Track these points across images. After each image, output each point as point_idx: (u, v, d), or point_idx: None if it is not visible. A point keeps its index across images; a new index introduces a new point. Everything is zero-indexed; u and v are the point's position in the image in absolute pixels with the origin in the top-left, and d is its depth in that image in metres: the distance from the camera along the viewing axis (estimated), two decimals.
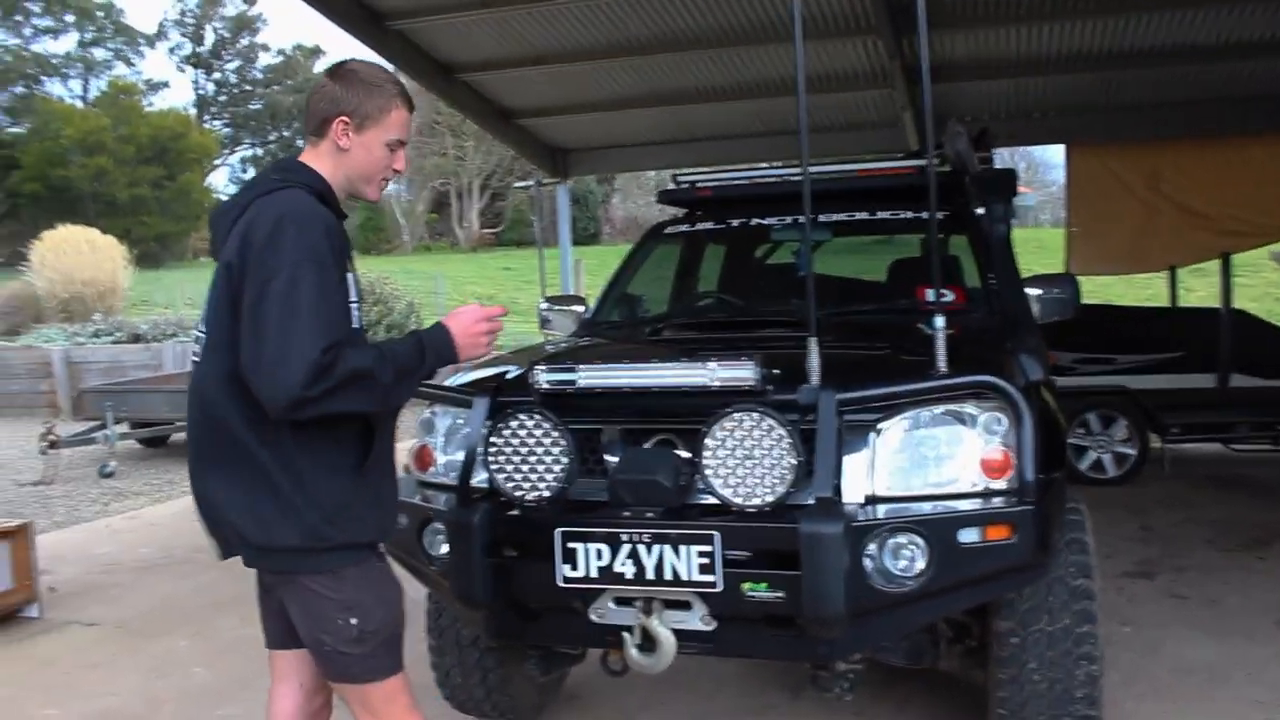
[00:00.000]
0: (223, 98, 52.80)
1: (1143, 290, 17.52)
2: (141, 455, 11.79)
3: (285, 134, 51.48)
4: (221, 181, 50.27)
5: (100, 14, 47.54)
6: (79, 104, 44.51)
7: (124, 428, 11.12)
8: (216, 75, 52.61)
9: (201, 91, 52.36)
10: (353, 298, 2.38)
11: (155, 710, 4.26)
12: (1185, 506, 7.35)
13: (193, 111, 49.16)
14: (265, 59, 52.85)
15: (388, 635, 2.43)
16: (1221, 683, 4.16)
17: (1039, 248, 22.42)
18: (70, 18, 46.36)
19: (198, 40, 51.63)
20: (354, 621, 2.36)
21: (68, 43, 50.12)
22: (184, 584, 6.14)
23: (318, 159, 2.44)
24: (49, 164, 37.44)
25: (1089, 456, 8.22)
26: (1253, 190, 9.22)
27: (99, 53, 48.77)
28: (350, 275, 2.38)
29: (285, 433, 2.28)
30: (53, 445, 10.07)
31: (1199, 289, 16.92)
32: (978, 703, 3.38)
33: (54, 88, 45.09)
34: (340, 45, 60.53)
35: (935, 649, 3.29)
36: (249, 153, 53.03)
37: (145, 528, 7.86)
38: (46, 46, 44.60)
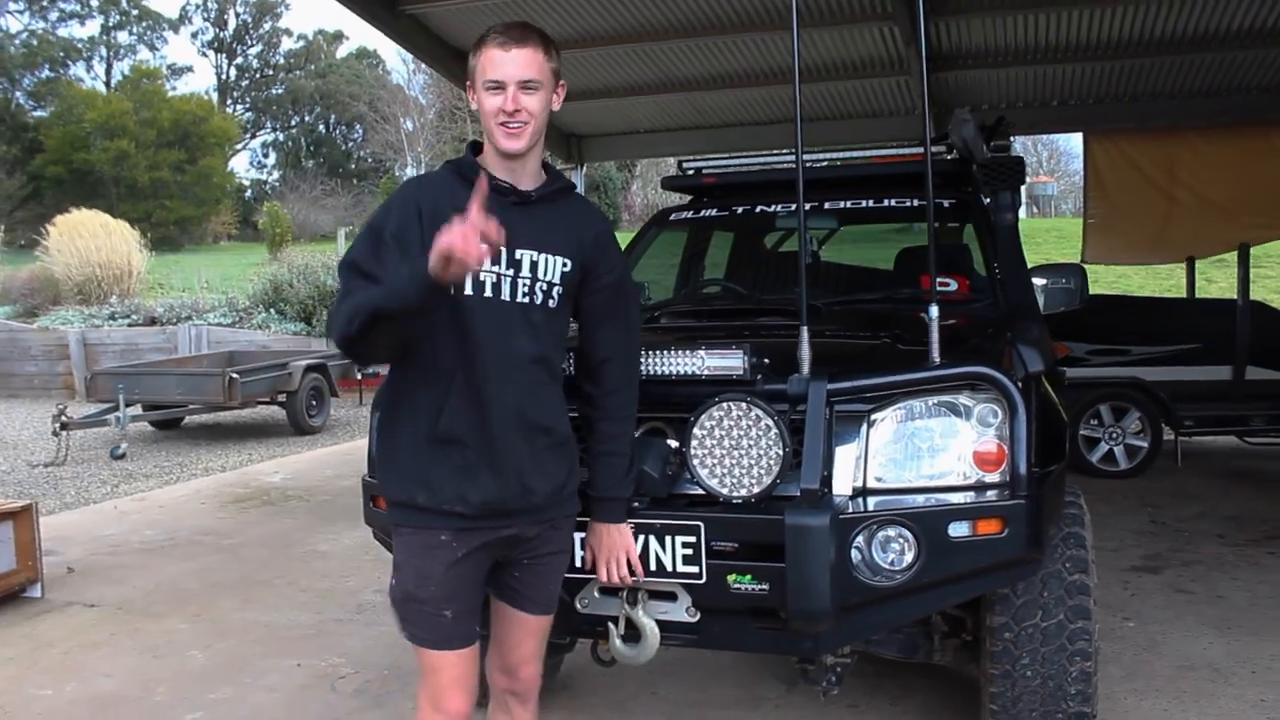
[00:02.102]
0: (244, 82, 52.94)
1: (1164, 281, 17.35)
2: (153, 438, 11.84)
3: (307, 119, 51.61)
4: (242, 166, 50.53)
5: None
6: (102, 88, 44.71)
7: (136, 410, 11.16)
8: (238, 60, 52.74)
9: (223, 76, 52.51)
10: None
11: (149, 692, 4.26)
12: (1196, 500, 7.28)
13: (214, 96, 49.29)
14: (287, 44, 52.95)
15: (418, 607, 2.44)
16: (1225, 680, 4.10)
17: (1059, 237, 22.33)
18: (95, 2, 46.56)
19: (220, 25, 51.75)
20: (393, 581, 2.49)
21: (92, 27, 50.40)
22: (187, 566, 6.15)
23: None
24: (71, 148, 37.63)
25: (1100, 448, 8.15)
26: (1273, 181, 9.11)
27: (122, 37, 48.97)
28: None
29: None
30: (64, 426, 10.12)
31: (1220, 280, 16.76)
32: (974, 697, 3.34)
33: (78, 72, 45.30)
34: (362, 30, 60.58)
35: (929, 643, 3.26)
36: (270, 137, 53.22)
37: (152, 510, 7.88)
38: (71, 31, 44.82)
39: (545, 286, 2.48)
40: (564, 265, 2.50)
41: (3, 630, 5.09)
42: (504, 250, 2.38)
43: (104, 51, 48.37)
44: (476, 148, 2.55)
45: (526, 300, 2.45)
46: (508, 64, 2.41)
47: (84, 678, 4.44)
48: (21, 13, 43.03)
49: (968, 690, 3.67)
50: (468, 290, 2.38)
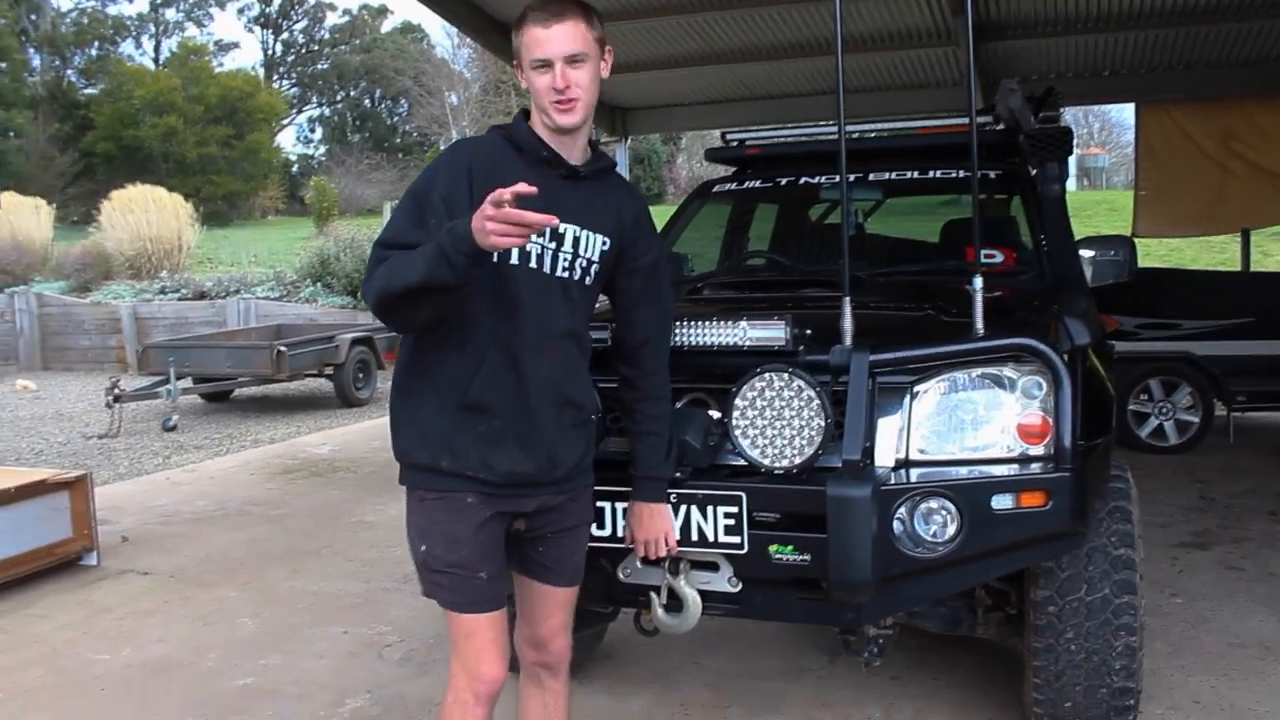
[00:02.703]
0: (290, 58, 53.30)
1: (1218, 255, 17.05)
2: (203, 410, 12.02)
3: (352, 93, 51.87)
4: (289, 141, 50.94)
5: None
6: (151, 65, 45.16)
7: (186, 383, 11.33)
8: (284, 35, 53.09)
9: (269, 52, 52.88)
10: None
11: (200, 658, 4.34)
12: (1248, 476, 7.17)
13: (261, 72, 49.66)
14: (332, 19, 53.19)
15: (450, 572, 2.42)
16: (1275, 658, 4.05)
17: (1110, 210, 22.01)
18: None
19: (266, 1, 52.04)
20: (422, 548, 2.45)
21: (141, 4, 50.85)
22: (237, 536, 6.24)
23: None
24: (121, 124, 38.10)
25: (1150, 423, 8.04)
26: None
27: (170, 14, 49.42)
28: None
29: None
30: (117, 399, 10.29)
31: (1276, 253, 16.47)
32: (1018, 671, 3.33)
33: (128, 49, 45.79)
34: (407, 5, 60.81)
35: (972, 616, 3.25)
36: (316, 112, 53.55)
37: (203, 481, 8.00)
38: (121, 9, 45.33)
39: (585, 263, 2.47)
40: (603, 244, 2.50)
41: (61, 596, 5.21)
42: None
43: (153, 28, 48.87)
44: (527, 114, 2.51)
45: (566, 275, 2.43)
46: (551, 41, 2.37)
47: (139, 643, 4.53)
48: None
49: (1011, 664, 3.66)
50: (513, 260, 2.36)
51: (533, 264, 2.39)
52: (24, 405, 12.84)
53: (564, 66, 2.37)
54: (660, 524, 2.73)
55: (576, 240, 2.44)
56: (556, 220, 2.14)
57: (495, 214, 2.03)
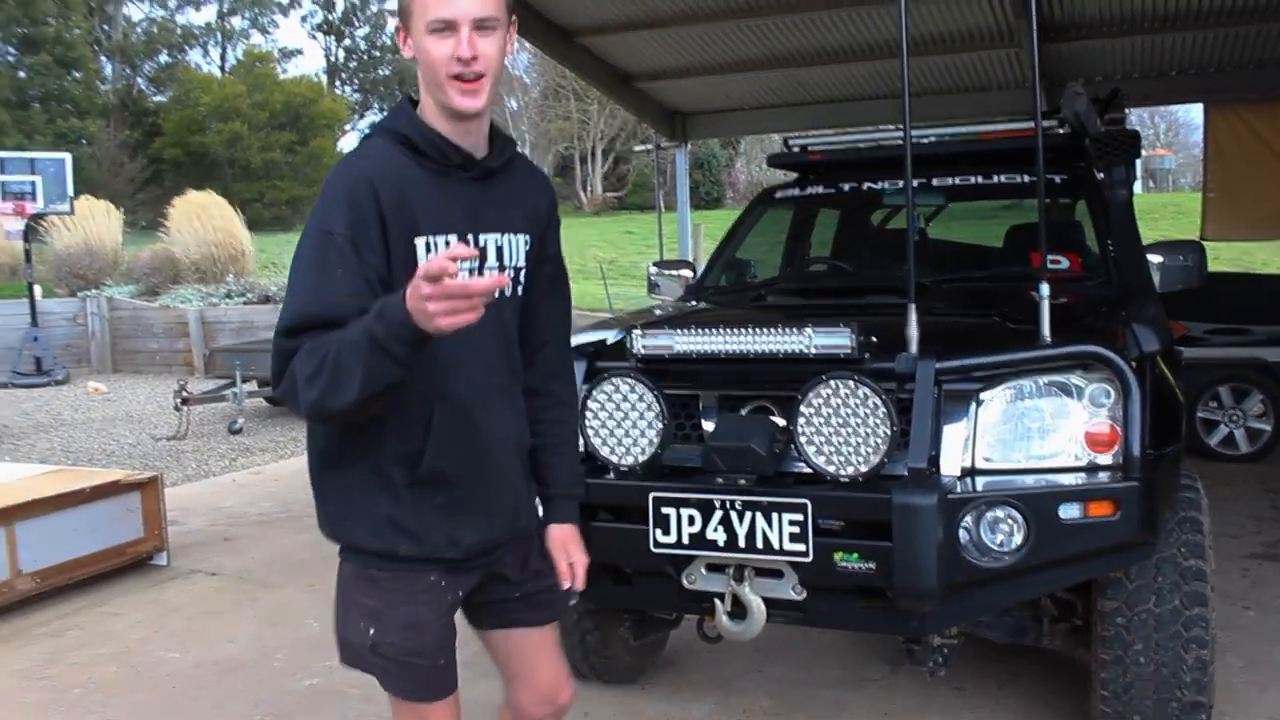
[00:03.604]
0: (353, 64, 53.86)
1: None
2: (268, 413, 12.18)
3: (413, 99, 52.42)
4: (351, 146, 51.34)
5: None
6: (217, 72, 45.95)
7: (251, 386, 11.51)
8: (347, 42, 53.67)
9: (332, 58, 53.52)
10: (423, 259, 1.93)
11: (267, 658, 4.42)
12: None
13: (324, 78, 50.30)
14: (393, 24, 53.63)
15: (407, 660, 2.08)
16: None
17: (1178, 213, 21.63)
18: None
19: (329, 8, 52.70)
20: (371, 631, 2.07)
21: (208, 13, 51.76)
22: (302, 538, 6.33)
23: (420, 86, 2.04)
24: (188, 130, 38.73)
25: (1220, 431, 7.89)
26: None
27: (236, 22, 50.22)
28: (426, 240, 1.96)
29: None
30: (185, 402, 10.48)
31: None
32: (1083, 682, 3.28)
33: (195, 57, 46.60)
34: None
35: (1038, 626, 3.22)
36: (377, 118, 54.03)
37: (268, 483, 8.13)
38: (189, 18, 46.06)
39: (513, 274, 2.11)
40: (526, 244, 2.14)
41: (133, 595, 5.32)
42: (470, 239, 2.01)
43: (219, 36, 49.69)
44: (414, 102, 2.07)
45: (498, 294, 2.00)
46: (449, 2, 1.91)
47: (208, 642, 4.62)
48: (143, 1, 44.44)
49: (1077, 676, 3.62)
50: None
51: None
52: (96, 407, 13.12)
53: (471, 32, 1.91)
54: (579, 543, 2.32)
55: (500, 251, 2.08)
56: (507, 280, 1.94)
57: (435, 292, 1.65)
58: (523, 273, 2.14)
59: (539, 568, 2.27)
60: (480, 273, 2.02)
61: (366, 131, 2.08)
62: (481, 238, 2.03)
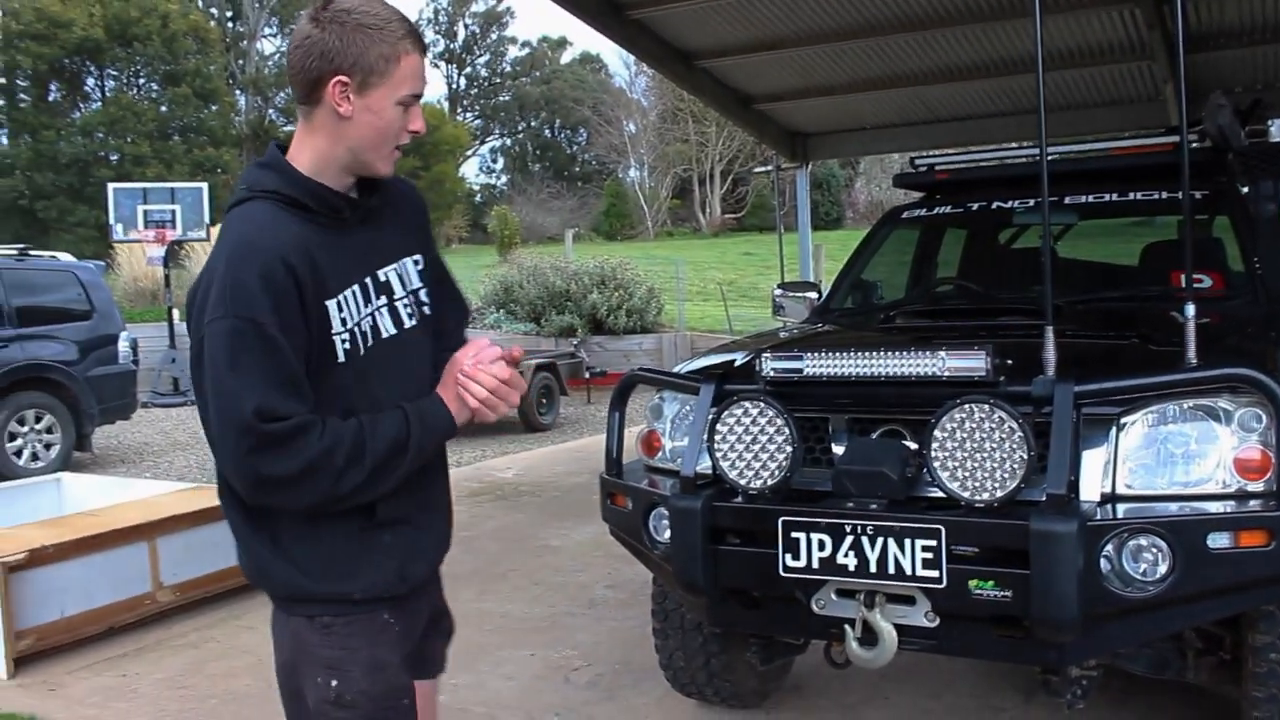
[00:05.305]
0: (473, 91, 55.06)
1: None
2: None
3: (533, 124, 53.27)
4: (472, 171, 52.48)
5: None
6: None
7: None
8: (468, 70, 54.89)
9: (454, 85, 54.75)
10: (337, 328, 1.90)
11: None
12: None
13: (445, 105, 51.46)
14: (513, 52, 54.76)
15: (378, 704, 1.99)
16: None
17: None
18: None
19: (450, 37, 53.97)
20: (334, 683, 1.97)
21: None
22: None
23: (310, 135, 1.92)
24: None
25: None
26: None
27: None
28: (336, 300, 1.90)
29: None
30: None
31: None
32: (1231, 718, 3.15)
33: None
34: (586, 35, 62.27)
35: (1182, 660, 3.10)
36: (498, 143, 55.16)
37: None
38: None
39: (415, 295, 2.05)
40: (417, 262, 2.07)
41: (266, 610, 5.37)
42: (369, 281, 1.96)
43: None
44: (283, 149, 1.97)
45: (414, 321, 2.02)
46: (423, 77, 1.93)
47: None
48: (274, 35, 46.10)
49: (1223, 712, 3.47)
50: (368, 344, 1.94)
51: (385, 334, 1.97)
52: None
53: (418, 107, 1.95)
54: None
55: (402, 278, 2.03)
56: (522, 350, 1.98)
57: (491, 394, 1.91)
58: (423, 291, 2.06)
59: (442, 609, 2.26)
60: (394, 308, 1.99)
61: (241, 191, 1.95)
62: (380, 274, 1.98)
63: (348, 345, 1.90)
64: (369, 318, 1.93)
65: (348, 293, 1.91)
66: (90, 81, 36.98)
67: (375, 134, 1.89)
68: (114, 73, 36.13)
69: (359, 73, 1.84)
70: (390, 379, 1.95)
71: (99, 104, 35.52)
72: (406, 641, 2.05)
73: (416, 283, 2.04)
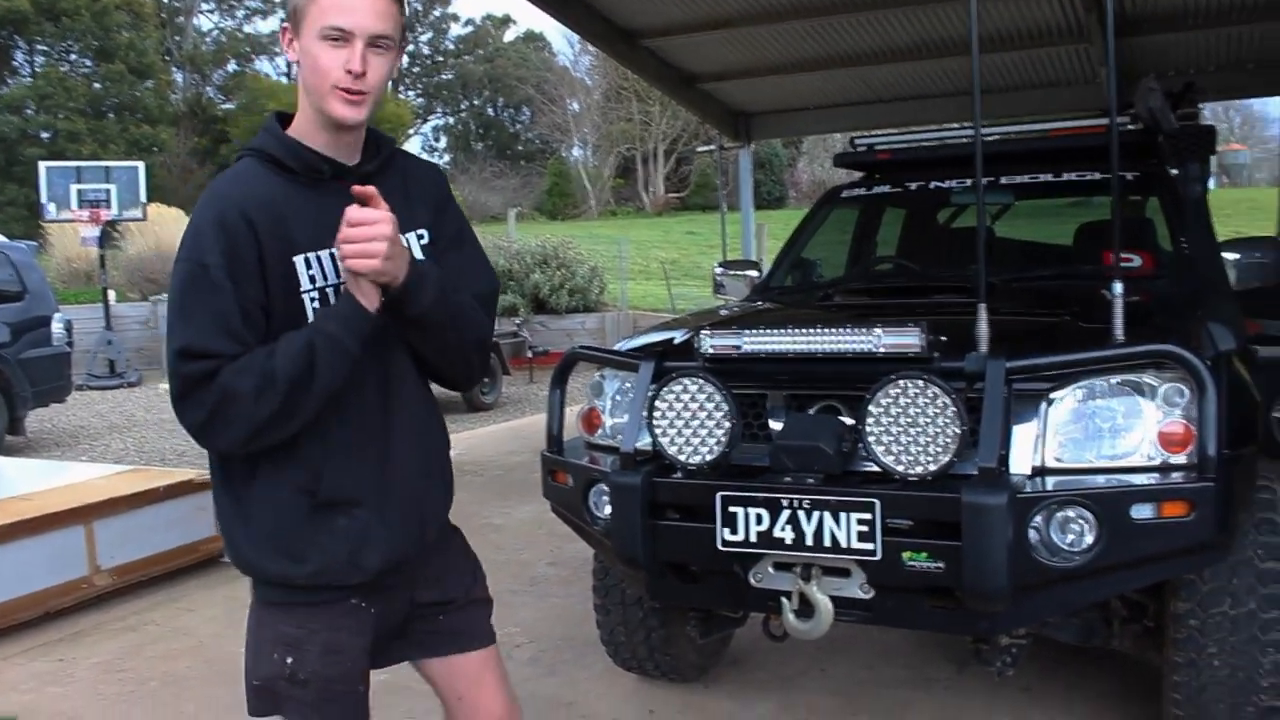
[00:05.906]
0: (415, 69, 54.45)
1: None
2: None
3: (476, 103, 52.84)
4: (415, 149, 51.86)
5: None
6: (284, 80, 46.71)
7: None
8: (410, 47, 54.26)
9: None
10: (305, 286, 1.92)
11: None
12: None
13: (388, 83, 50.92)
14: (455, 29, 54.25)
15: (326, 688, 2.00)
16: None
17: (1253, 209, 21.19)
18: None
19: None
20: (289, 660, 1.99)
21: (274, 22, 52.50)
22: None
23: (300, 96, 1.97)
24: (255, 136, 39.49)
25: None
26: None
27: None
28: (304, 256, 1.92)
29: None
30: None
31: None
32: (1154, 685, 3.25)
33: (262, 65, 47.39)
34: (530, 14, 61.88)
35: (1108, 628, 3.19)
36: (441, 122, 54.66)
37: None
38: (256, 27, 46.90)
39: None
40: (421, 239, 2.07)
41: (206, 591, 5.45)
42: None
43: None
44: (283, 119, 2.02)
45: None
46: (356, 10, 1.85)
47: None
48: (212, 12, 45.34)
49: (1147, 678, 3.57)
50: (320, 309, 1.91)
51: None
52: (167, 408, 13.36)
53: (365, 48, 1.87)
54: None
55: None
56: (370, 189, 1.86)
57: (350, 242, 1.81)
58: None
59: (461, 586, 2.22)
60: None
61: (239, 152, 2.02)
62: None
63: (316, 304, 1.91)
64: (310, 291, 1.92)
65: (324, 253, 1.92)
66: (19, 56, 36.09)
67: (313, 75, 1.89)
68: (44, 47, 35.25)
69: (292, 17, 1.89)
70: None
71: (29, 79, 34.66)
72: (383, 623, 2.06)
73: (417, 255, 2.02)
